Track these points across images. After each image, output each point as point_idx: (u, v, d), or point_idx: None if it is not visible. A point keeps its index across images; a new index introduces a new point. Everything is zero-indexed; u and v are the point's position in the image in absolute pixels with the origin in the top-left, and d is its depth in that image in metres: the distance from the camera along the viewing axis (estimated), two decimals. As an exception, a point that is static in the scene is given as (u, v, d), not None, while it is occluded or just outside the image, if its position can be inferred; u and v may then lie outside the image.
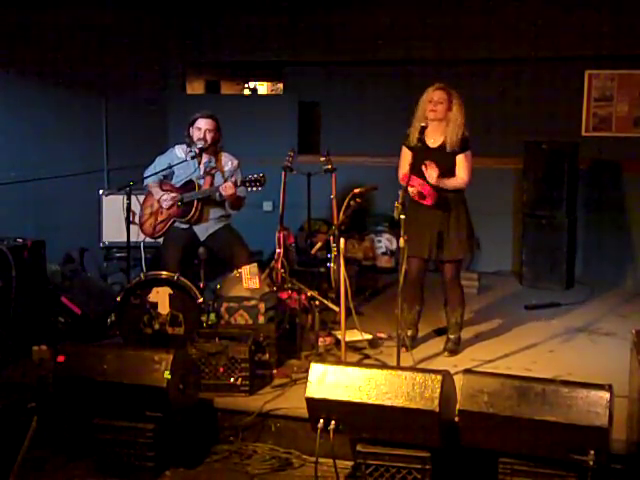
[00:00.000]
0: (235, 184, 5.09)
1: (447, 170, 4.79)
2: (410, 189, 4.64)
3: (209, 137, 5.21)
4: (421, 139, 4.75)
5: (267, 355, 4.58)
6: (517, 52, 7.06)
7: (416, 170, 4.65)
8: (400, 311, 4.37)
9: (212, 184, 5.25)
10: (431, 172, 4.70)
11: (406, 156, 4.91)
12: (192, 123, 5.23)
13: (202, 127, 5.19)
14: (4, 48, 5.65)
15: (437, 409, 3.40)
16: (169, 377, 3.77)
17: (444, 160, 4.80)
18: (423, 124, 4.73)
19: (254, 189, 5.10)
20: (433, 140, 4.85)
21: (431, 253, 4.86)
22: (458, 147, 4.79)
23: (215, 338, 4.45)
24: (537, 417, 3.30)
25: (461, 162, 4.81)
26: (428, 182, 4.72)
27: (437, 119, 4.78)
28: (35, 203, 5.99)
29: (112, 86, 6.85)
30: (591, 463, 3.21)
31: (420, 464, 3.51)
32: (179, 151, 5.34)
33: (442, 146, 4.83)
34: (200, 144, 5.18)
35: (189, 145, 5.26)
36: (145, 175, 5.34)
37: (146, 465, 3.85)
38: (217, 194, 5.21)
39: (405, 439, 3.53)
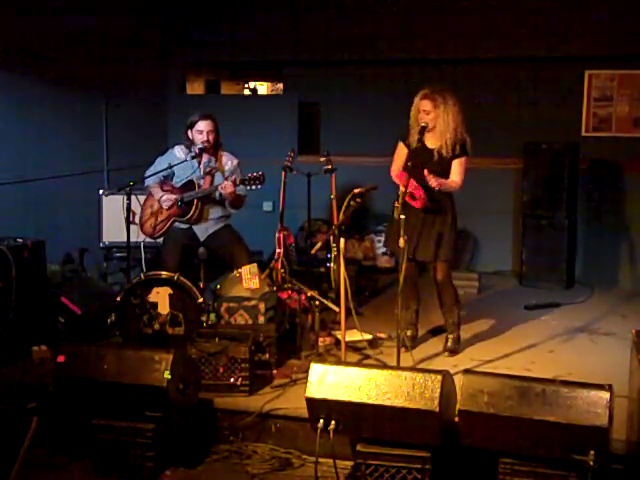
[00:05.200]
0: (234, 183, 5.09)
1: (442, 172, 4.79)
2: (402, 189, 4.60)
3: (212, 138, 5.21)
4: (421, 140, 4.75)
5: (267, 355, 4.58)
6: (517, 52, 7.07)
7: (412, 170, 4.60)
8: (400, 311, 4.37)
9: (212, 184, 5.25)
10: (432, 181, 4.67)
11: (401, 153, 4.90)
12: (191, 126, 5.21)
13: (204, 129, 5.18)
14: (4, 48, 5.65)
15: (437, 409, 3.40)
16: (169, 377, 3.77)
17: (440, 162, 4.81)
18: (423, 124, 4.73)
19: (253, 187, 5.10)
20: (432, 141, 4.85)
21: (414, 254, 4.83)
22: (455, 151, 4.79)
23: (215, 338, 4.44)
24: (537, 417, 3.30)
25: (456, 167, 4.82)
26: (422, 185, 4.69)
27: (428, 129, 4.79)
28: (35, 203, 5.98)
29: (112, 86, 6.84)
30: (591, 463, 3.21)
31: (420, 464, 3.51)
32: (179, 151, 5.33)
33: (440, 148, 4.83)
34: (202, 145, 5.18)
35: (189, 147, 5.27)
36: (145, 175, 5.34)
37: (146, 465, 3.84)
38: (217, 193, 5.21)
39: (405, 439, 3.53)
